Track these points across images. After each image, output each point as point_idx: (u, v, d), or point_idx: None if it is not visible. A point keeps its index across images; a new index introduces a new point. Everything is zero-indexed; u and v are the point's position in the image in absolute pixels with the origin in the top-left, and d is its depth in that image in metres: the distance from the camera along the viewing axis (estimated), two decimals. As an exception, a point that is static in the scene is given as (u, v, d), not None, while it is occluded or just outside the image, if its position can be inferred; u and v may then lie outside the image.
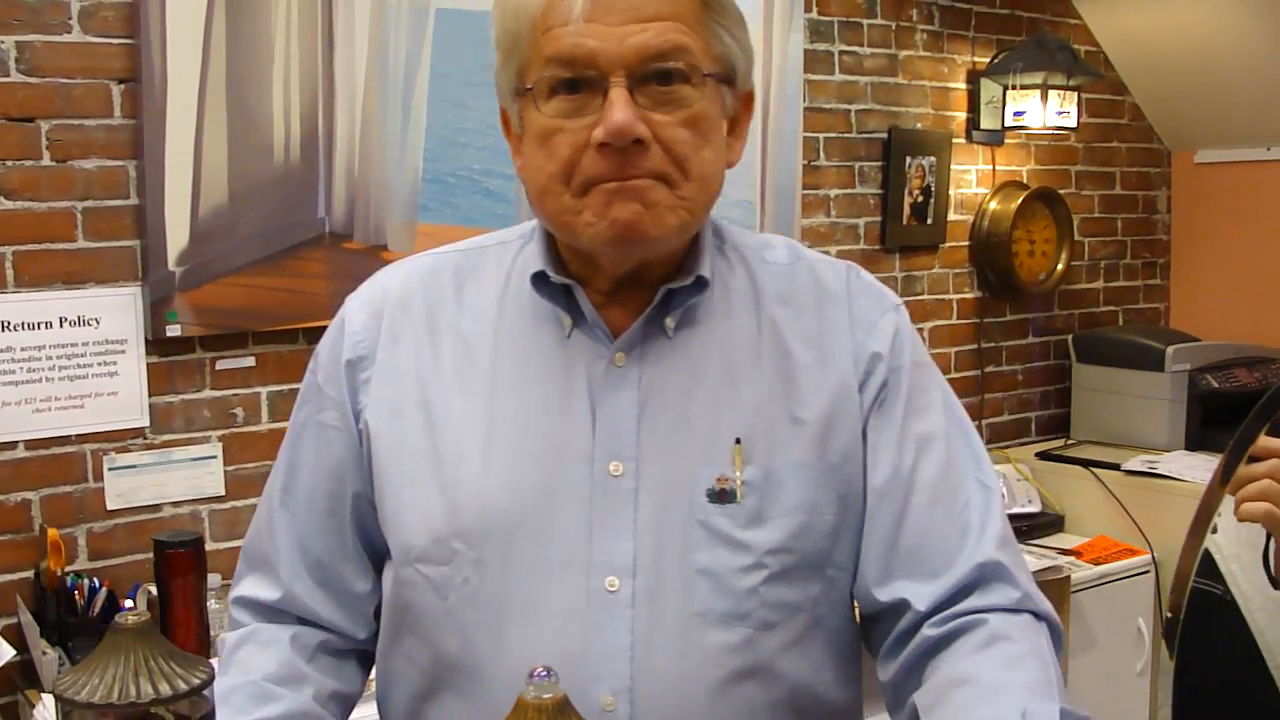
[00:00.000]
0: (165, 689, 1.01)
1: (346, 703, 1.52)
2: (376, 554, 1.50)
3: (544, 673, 0.96)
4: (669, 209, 1.32)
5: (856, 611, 1.49)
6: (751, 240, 1.52)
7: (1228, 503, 2.02)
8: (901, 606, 1.40)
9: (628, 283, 1.41)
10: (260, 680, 1.42)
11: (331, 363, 1.48)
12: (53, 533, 2.66)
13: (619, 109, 1.27)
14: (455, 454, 1.40)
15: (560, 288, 1.41)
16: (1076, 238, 4.51)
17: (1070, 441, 4.42)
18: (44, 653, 2.56)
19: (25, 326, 2.69)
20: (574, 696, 0.99)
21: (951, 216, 4.22)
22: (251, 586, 1.53)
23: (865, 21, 3.97)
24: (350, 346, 1.47)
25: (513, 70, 1.35)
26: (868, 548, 1.42)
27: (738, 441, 1.39)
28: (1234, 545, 2.26)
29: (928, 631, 1.37)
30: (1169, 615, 2.02)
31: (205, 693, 1.04)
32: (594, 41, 1.27)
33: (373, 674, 1.55)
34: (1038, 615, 1.40)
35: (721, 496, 1.37)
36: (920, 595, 1.38)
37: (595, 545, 1.36)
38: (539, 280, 1.42)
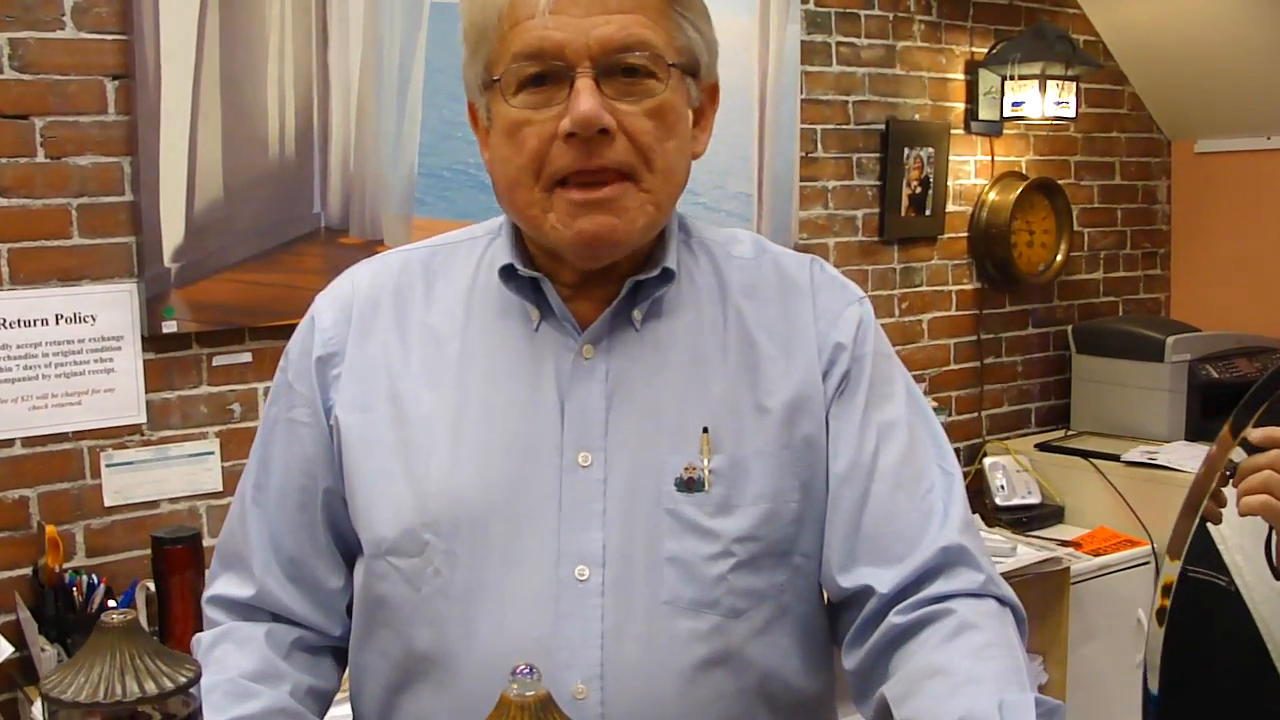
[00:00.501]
0: (151, 687, 1.00)
1: (323, 698, 1.53)
2: (348, 550, 1.51)
3: (526, 670, 0.95)
4: (637, 210, 1.35)
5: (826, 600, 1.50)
6: (717, 235, 1.54)
7: (1234, 494, 2.02)
8: (865, 592, 1.41)
9: (595, 276, 1.42)
10: (238, 678, 1.43)
11: (302, 359, 1.49)
12: (50, 530, 2.66)
13: (585, 99, 1.29)
14: (425, 447, 1.41)
15: (528, 281, 1.43)
16: (1076, 228, 4.51)
17: (1070, 433, 4.42)
18: (43, 649, 2.56)
19: (21, 324, 2.69)
20: (545, 685, 0.99)
21: (950, 208, 4.22)
22: (225, 585, 1.54)
23: (862, 12, 3.97)
24: (320, 343, 1.48)
25: (480, 64, 1.37)
26: (831, 534, 1.43)
27: (705, 431, 1.40)
28: (1238, 536, 2.26)
29: (894, 619, 1.38)
30: (1160, 606, 2.02)
31: (192, 690, 1.03)
32: (560, 33, 1.29)
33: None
34: (1001, 600, 1.41)
35: (689, 485, 1.39)
36: (883, 580, 1.39)
37: (565, 535, 1.37)
38: (507, 274, 1.43)
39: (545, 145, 1.32)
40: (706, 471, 1.39)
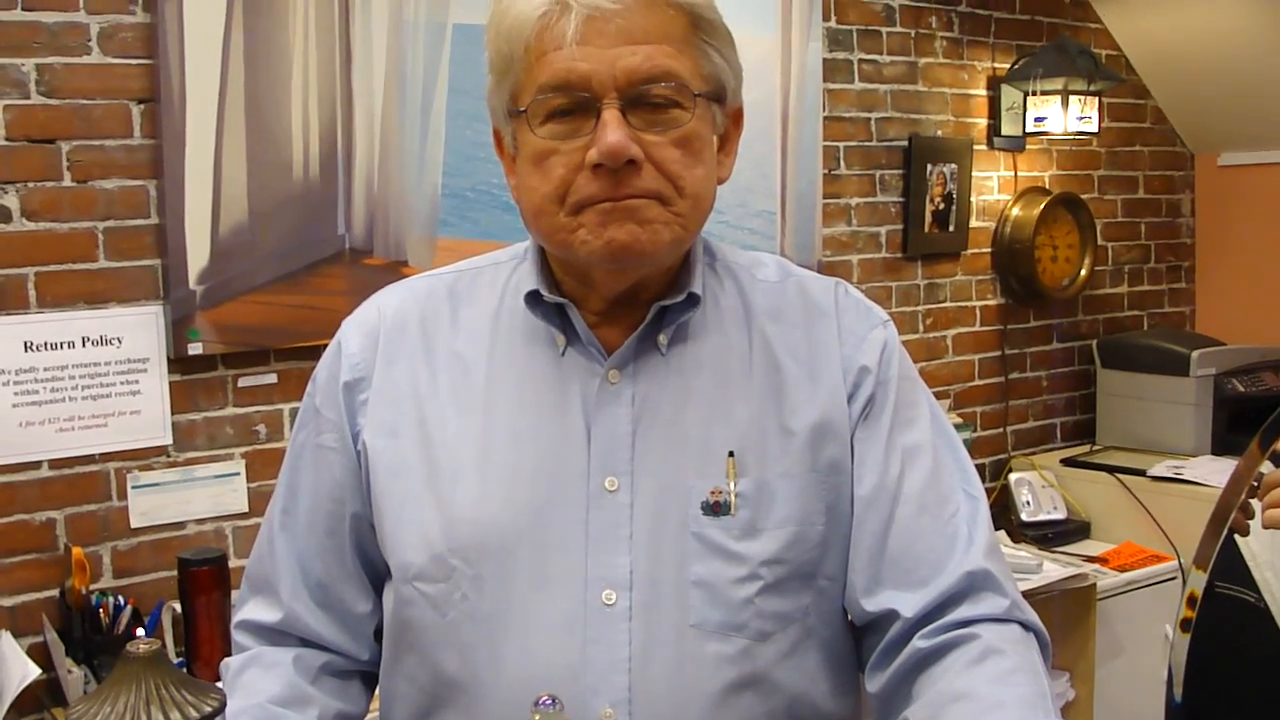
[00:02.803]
0: (176, 717, 1.01)
1: None
2: (376, 574, 1.51)
3: (548, 701, 0.96)
4: (664, 224, 1.34)
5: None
6: (742, 258, 1.54)
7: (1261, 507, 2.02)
8: (889, 616, 1.41)
9: (621, 302, 1.43)
10: (265, 703, 1.44)
11: (329, 385, 1.50)
12: (77, 551, 2.67)
13: (612, 130, 1.29)
14: (452, 472, 1.41)
15: (554, 307, 1.43)
16: (1100, 243, 4.50)
17: (1095, 447, 4.40)
18: (70, 671, 2.57)
19: (48, 346, 2.70)
20: (573, 710, 0.99)
21: (974, 223, 4.21)
22: (254, 610, 1.54)
23: (884, 29, 3.97)
24: (348, 368, 1.48)
25: (506, 92, 1.37)
26: (855, 557, 1.44)
27: (731, 455, 1.40)
28: (1268, 553, 2.25)
29: (918, 643, 1.38)
30: (1185, 616, 2.01)
31: (217, 720, 1.04)
32: (587, 65, 1.29)
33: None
34: (1025, 625, 1.41)
35: (716, 509, 1.39)
36: (908, 604, 1.40)
37: (592, 560, 1.38)
38: (533, 300, 1.43)
39: (572, 174, 1.32)
40: (733, 495, 1.39)
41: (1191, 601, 2.07)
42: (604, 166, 1.30)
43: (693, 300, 1.43)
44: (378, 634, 1.53)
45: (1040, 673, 1.35)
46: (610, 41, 1.29)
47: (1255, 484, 2.03)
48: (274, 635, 1.52)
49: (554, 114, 1.32)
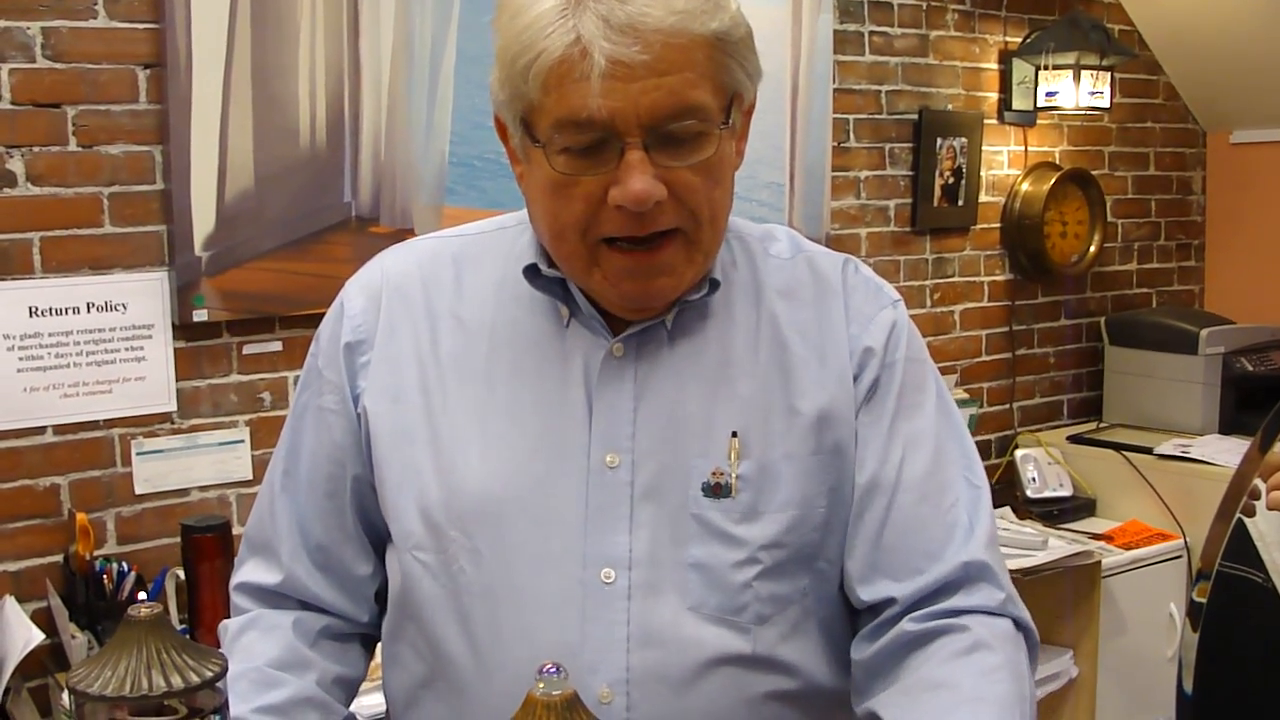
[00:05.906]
0: (178, 681, 1.00)
1: (350, 686, 1.53)
2: (378, 537, 1.50)
3: (553, 669, 0.95)
4: (687, 264, 1.33)
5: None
6: (755, 230, 1.52)
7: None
8: (885, 604, 1.40)
9: None
10: (264, 666, 1.43)
11: (330, 345, 1.48)
12: (81, 517, 2.67)
13: (638, 177, 1.25)
14: (452, 441, 1.40)
15: (556, 279, 1.40)
16: (1110, 219, 4.48)
17: (1102, 425, 4.39)
18: (73, 637, 2.57)
19: (53, 312, 2.70)
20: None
21: (983, 198, 4.19)
22: (253, 571, 1.53)
23: (895, 1, 3.94)
24: (349, 330, 1.47)
25: (518, 105, 1.31)
26: (853, 544, 1.42)
27: (734, 435, 1.38)
28: (1276, 533, 2.25)
29: (907, 625, 1.37)
30: (1195, 599, 2.00)
31: (218, 685, 1.03)
32: (610, 103, 1.23)
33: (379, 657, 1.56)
34: (1017, 623, 1.40)
35: (716, 491, 1.37)
36: (903, 592, 1.39)
37: (590, 537, 1.36)
38: (532, 272, 1.41)
39: (593, 209, 1.29)
40: (734, 476, 1.38)
41: (1197, 608, 2.06)
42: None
43: (712, 286, 1.41)
44: (378, 596, 1.53)
45: (1024, 675, 1.35)
46: (634, 75, 1.23)
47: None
48: (273, 597, 1.52)
49: (573, 147, 1.27)
